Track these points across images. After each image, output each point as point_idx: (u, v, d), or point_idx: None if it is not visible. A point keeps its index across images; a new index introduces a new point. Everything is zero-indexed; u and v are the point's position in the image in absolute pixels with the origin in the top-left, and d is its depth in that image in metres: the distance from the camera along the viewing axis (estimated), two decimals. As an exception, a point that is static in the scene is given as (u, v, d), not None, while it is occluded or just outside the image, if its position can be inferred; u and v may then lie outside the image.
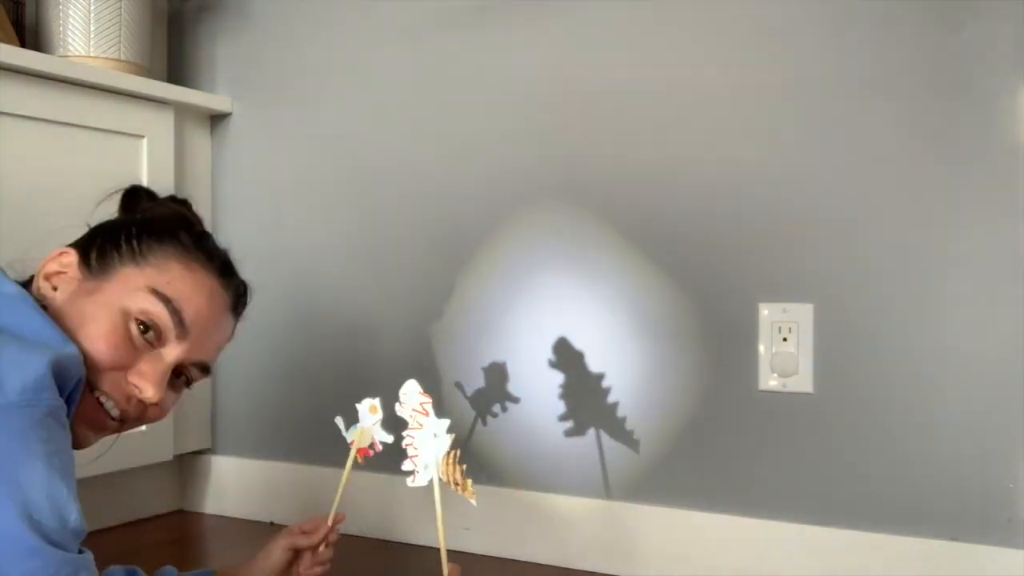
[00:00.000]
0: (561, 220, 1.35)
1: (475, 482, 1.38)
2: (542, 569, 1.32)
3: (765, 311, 1.21)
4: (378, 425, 0.98)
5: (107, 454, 1.41)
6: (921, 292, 1.13)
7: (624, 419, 1.30)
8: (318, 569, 1.06)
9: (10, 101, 1.31)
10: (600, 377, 1.32)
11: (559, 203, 1.35)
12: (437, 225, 1.45)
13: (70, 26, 1.47)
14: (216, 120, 1.68)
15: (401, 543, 1.45)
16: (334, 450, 1.53)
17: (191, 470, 1.66)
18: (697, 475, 1.26)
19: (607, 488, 1.31)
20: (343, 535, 1.49)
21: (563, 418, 1.34)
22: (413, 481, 0.89)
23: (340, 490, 1.02)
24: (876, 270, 1.15)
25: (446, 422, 0.88)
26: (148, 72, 1.56)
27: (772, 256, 1.21)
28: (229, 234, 1.66)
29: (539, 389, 1.36)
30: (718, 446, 1.24)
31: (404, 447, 0.90)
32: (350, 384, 1.52)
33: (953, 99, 1.11)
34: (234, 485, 1.62)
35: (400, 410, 0.91)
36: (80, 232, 0.90)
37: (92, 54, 1.48)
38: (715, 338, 1.25)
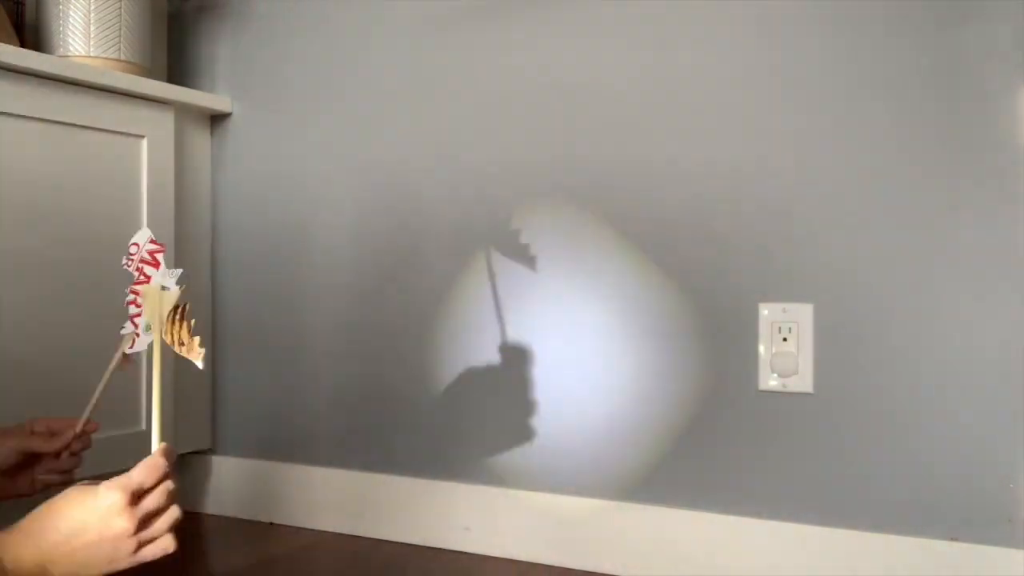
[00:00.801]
0: (561, 220, 1.35)
1: (476, 482, 1.40)
2: (542, 569, 1.32)
3: (765, 311, 1.21)
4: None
5: (107, 455, 1.40)
6: (921, 292, 1.13)
7: (624, 419, 1.30)
8: (55, 477, 0.92)
9: (10, 101, 1.31)
10: (600, 377, 1.32)
11: (559, 203, 1.35)
12: (438, 225, 1.45)
13: (70, 26, 1.47)
14: (216, 120, 1.68)
15: (390, 541, 1.45)
16: (334, 450, 1.53)
17: (191, 470, 1.66)
18: (697, 475, 1.26)
19: (607, 488, 1.31)
20: (340, 534, 1.49)
21: (563, 418, 1.34)
22: (131, 347, 0.78)
23: (97, 392, 0.90)
24: (876, 270, 1.15)
25: (178, 272, 0.77)
26: (148, 72, 1.56)
27: (772, 256, 1.21)
28: (229, 234, 1.66)
29: (539, 389, 1.36)
30: (718, 446, 1.24)
31: (126, 305, 0.78)
32: (350, 384, 1.52)
33: (953, 99, 1.11)
34: (234, 485, 1.62)
35: (127, 264, 0.79)
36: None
37: (92, 54, 1.47)
38: (715, 338, 1.25)
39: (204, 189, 1.66)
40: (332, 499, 1.52)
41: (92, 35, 1.48)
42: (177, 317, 0.75)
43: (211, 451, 1.66)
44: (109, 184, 1.47)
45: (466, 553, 1.39)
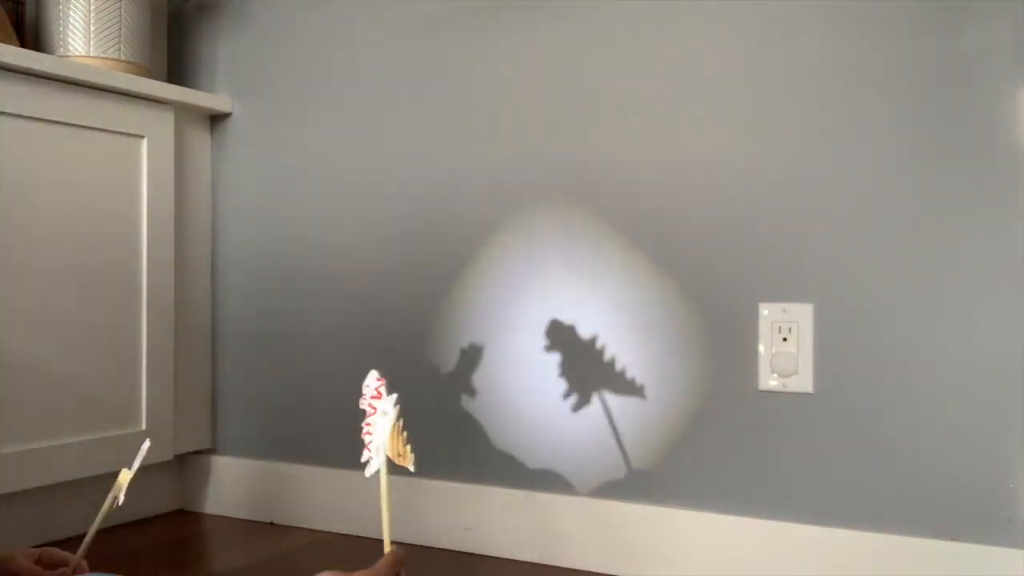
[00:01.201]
0: (561, 220, 1.35)
1: (476, 482, 1.40)
2: (542, 569, 1.32)
3: (765, 311, 1.21)
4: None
5: (107, 454, 1.41)
6: (921, 292, 1.13)
7: (624, 419, 1.30)
8: None
9: (10, 101, 1.31)
10: (600, 377, 1.32)
11: (559, 203, 1.35)
12: (438, 224, 1.45)
13: (70, 26, 1.47)
14: (216, 120, 1.68)
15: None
16: (334, 450, 1.53)
17: (191, 470, 1.66)
18: (697, 475, 1.26)
19: (607, 488, 1.31)
20: (340, 534, 1.49)
21: (562, 418, 1.34)
22: (368, 470, 0.90)
23: (90, 533, 0.98)
24: (876, 270, 1.15)
25: (393, 397, 0.89)
26: (148, 72, 1.56)
27: (772, 256, 1.21)
28: (229, 235, 1.66)
29: (538, 389, 1.36)
30: (718, 446, 1.24)
31: (363, 436, 0.90)
32: (350, 384, 1.52)
33: (953, 99, 1.11)
34: (234, 485, 1.62)
35: (362, 403, 0.91)
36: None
37: (92, 54, 1.48)
38: (715, 338, 1.25)
39: (204, 189, 1.66)
40: (332, 499, 1.52)
41: (92, 35, 1.48)
42: (396, 433, 0.88)
43: (211, 451, 1.66)
44: (109, 184, 1.47)
45: (466, 553, 1.39)
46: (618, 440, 1.31)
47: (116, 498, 0.97)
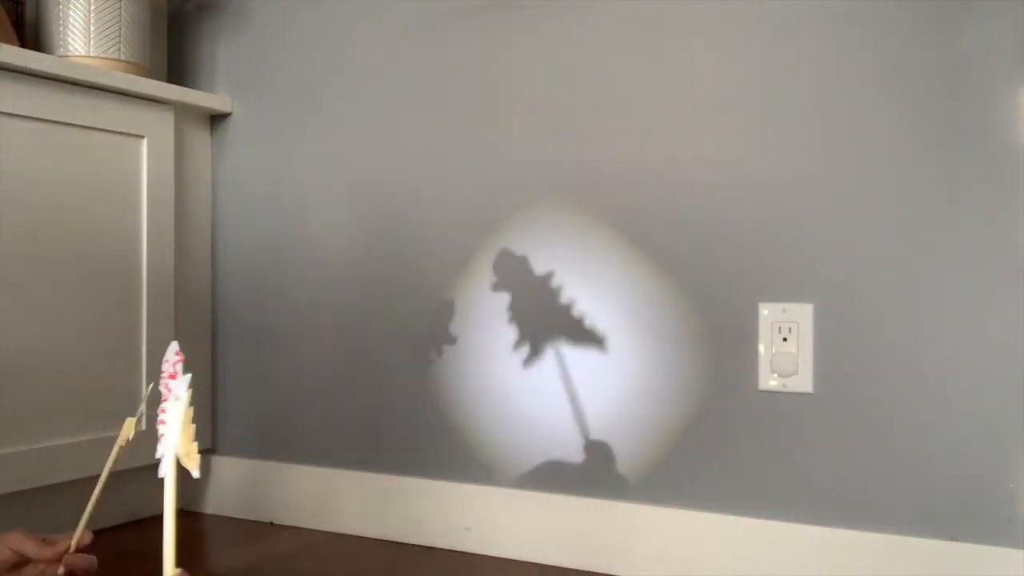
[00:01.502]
0: (561, 220, 1.35)
1: (476, 482, 1.40)
2: (542, 569, 1.32)
3: (765, 311, 1.21)
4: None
5: (107, 454, 1.41)
6: (921, 292, 1.13)
7: (624, 419, 1.30)
8: None
9: (10, 101, 1.31)
10: (600, 377, 1.32)
11: (559, 203, 1.35)
12: (438, 224, 1.45)
13: (70, 26, 1.47)
14: (216, 120, 1.68)
15: (391, 541, 1.45)
16: (334, 450, 1.53)
17: (191, 470, 1.66)
18: (697, 475, 1.26)
19: (607, 488, 1.31)
20: (340, 534, 1.49)
21: (562, 418, 1.34)
22: (160, 470, 0.72)
23: (91, 504, 0.86)
24: (876, 270, 1.15)
25: (187, 378, 0.71)
26: (148, 72, 1.56)
27: (772, 256, 1.21)
28: (229, 234, 1.66)
29: (537, 389, 1.36)
30: (718, 446, 1.24)
31: (156, 426, 0.71)
32: (350, 384, 1.52)
33: (953, 99, 1.11)
34: (234, 485, 1.62)
35: (160, 384, 0.73)
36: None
37: (92, 54, 1.48)
38: (715, 338, 1.25)
39: (204, 189, 1.66)
40: (332, 499, 1.52)
41: (92, 35, 1.48)
42: (185, 424, 0.70)
43: (211, 451, 1.66)
44: (109, 184, 1.47)
45: (466, 553, 1.39)
46: (618, 440, 1.31)
47: (122, 448, 0.85)
